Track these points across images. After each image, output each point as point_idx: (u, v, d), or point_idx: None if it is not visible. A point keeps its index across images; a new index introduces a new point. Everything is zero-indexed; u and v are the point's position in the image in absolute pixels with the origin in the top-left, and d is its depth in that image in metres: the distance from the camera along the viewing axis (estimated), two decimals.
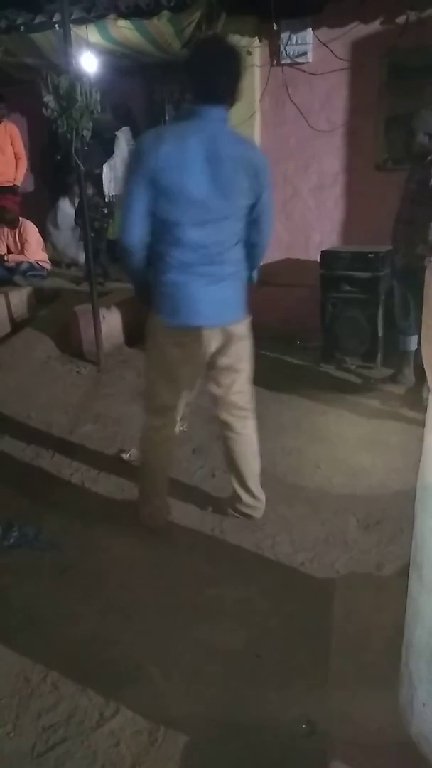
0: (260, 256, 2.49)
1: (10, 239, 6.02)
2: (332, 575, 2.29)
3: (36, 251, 6.01)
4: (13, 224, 5.96)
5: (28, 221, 6.11)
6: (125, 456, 3.27)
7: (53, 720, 1.77)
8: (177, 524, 2.68)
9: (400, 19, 4.48)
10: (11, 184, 6.28)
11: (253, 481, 2.64)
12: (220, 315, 2.34)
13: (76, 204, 6.54)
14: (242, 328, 2.44)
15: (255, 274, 2.56)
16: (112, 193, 6.19)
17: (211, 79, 2.16)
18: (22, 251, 5.92)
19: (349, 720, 1.48)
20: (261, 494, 2.67)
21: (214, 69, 2.17)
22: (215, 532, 2.62)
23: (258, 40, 4.97)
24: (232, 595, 2.24)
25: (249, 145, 2.39)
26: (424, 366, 1.18)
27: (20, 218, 6.05)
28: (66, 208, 6.65)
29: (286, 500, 2.83)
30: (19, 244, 5.96)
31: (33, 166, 7.29)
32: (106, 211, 6.08)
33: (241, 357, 2.47)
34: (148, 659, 1.97)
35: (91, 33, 4.86)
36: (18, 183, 6.41)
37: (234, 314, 2.39)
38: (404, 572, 1.49)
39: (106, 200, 6.18)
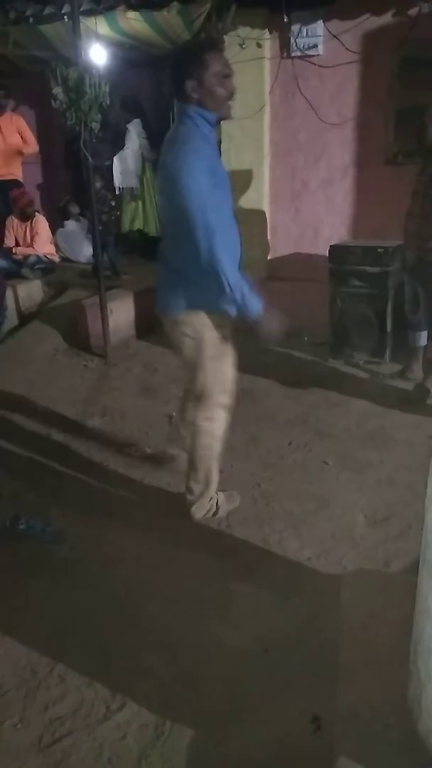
0: (216, 277, 2.16)
1: (20, 232, 6.02)
2: (339, 571, 2.28)
3: (45, 244, 6.01)
4: (26, 218, 5.96)
5: (40, 215, 6.12)
6: (132, 450, 3.27)
7: (60, 712, 1.77)
8: (183, 517, 2.68)
9: (412, 11, 4.44)
10: (15, 178, 6.28)
11: (192, 477, 2.61)
12: (160, 304, 2.46)
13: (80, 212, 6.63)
14: (178, 324, 2.38)
15: (230, 303, 2.22)
16: (121, 185, 6.18)
17: None
18: (31, 244, 5.93)
19: (357, 716, 1.48)
20: (194, 493, 2.63)
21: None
22: (222, 527, 2.62)
23: (268, 32, 4.94)
24: (239, 589, 2.23)
25: (177, 143, 2.19)
26: None
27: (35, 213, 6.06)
28: (72, 228, 6.68)
29: (293, 496, 2.83)
30: (29, 237, 5.96)
31: (44, 159, 7.30)
32: (113, 203, 6.07)
33: (182, 350, 2.45)
34: (155, 653, 1.97)
35: (101, 25, 4.84)
36: (25, 150, 6.31)
37: (168, 307, 2.41)
38: (412, 569, 1.48)
39: (117, 192, 6.18)
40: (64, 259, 6.58)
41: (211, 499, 2.64)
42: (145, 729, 1.71)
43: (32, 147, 6.33)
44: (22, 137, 6.20)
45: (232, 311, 2.27)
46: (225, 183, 2.26)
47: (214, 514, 2.66)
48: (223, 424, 2.56)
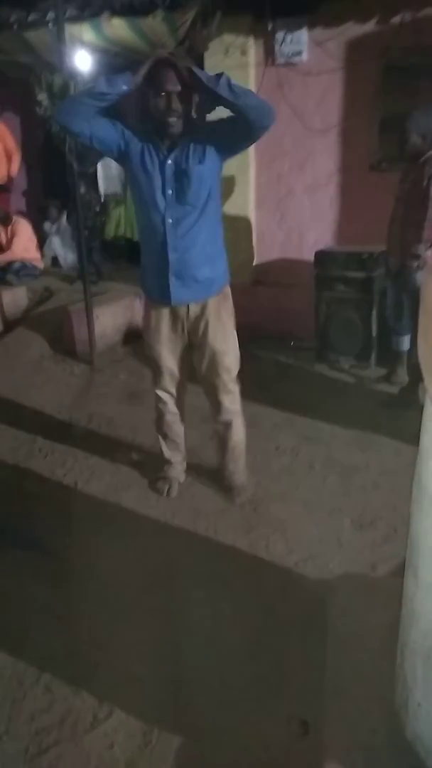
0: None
1: (2, 236, 5.98)
2: (326, 575, 2.28)
3: (28, 249, 5.97)
4: (5, 222, 5.93)
5: (22, 219, 6.08)
6: (119, 456, 3.25)
7: (46, 722, 1.76)
8: (170, 525, 2.67)
9: (395, 20, 4.48)
10: (2, 183, 6.26)
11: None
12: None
13: (62, 219, 6.60)
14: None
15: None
16: (105, 191, 6.17)
17: None
18: (9, 246, 5.87)
19: (344, 720, 1.48)
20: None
21: None
22: (209, 533, 2.61)
23: (253, 40, 4.96)
24: (226, 596, 2.23)
25: None
26: (420, 366, 1.17)
27: (13, 216, 6.02)
28: (50, 230, 6.65)
29: (279, 500, 2.83)
30: (9, 239, 5.92)
31: (28, 165, 7.27)
32: (98, 209, 6.06)
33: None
34: (142, 660, 1.96)
35: (85, 31, 4.83)
36: (13, 174, 6.39)
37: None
38: (398, 572, 1.49)
39: (102, 199, 6.16)
40: (53, 264, 6.55)
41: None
42: (132, 737, 1.70)
43: (15, 154, 6.30)
44: (5, 145, 6.17)
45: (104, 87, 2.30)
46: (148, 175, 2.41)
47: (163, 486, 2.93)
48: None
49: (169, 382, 2.78)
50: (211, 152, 2.38)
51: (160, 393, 2.81)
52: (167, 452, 2.94)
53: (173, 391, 2.81)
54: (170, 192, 2.40)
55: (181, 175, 2.38)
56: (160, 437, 2.93)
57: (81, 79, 4.09)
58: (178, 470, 2.97)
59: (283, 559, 2.43)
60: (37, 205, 7.19)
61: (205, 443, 3.25)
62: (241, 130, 2.31)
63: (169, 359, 2.72)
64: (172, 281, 2.51)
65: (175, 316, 2.62)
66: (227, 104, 2.24)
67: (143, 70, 2.26)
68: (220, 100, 2.24)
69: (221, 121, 2.37)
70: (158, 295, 2.59)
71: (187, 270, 2.50)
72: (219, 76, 2.22)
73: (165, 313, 2.62)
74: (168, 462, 2.95)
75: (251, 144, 2.44)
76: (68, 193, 5.54)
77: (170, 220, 2.43)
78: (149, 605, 2.20)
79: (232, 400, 2.75)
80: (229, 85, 2.21)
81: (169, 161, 2.38)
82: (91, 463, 3.22)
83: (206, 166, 2.39)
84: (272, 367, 4.48)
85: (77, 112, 2.29)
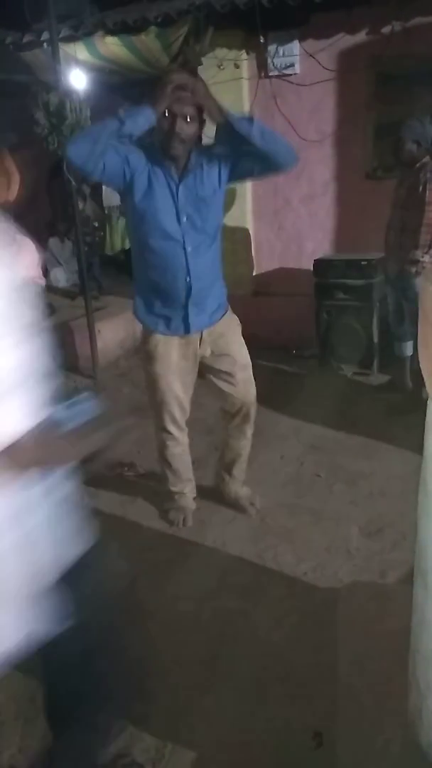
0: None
1: None
2: (336, 585, 2.27)
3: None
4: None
5: (26, 237, 6.10)
6: (124, 470, 3.25)
7: None
8: (177, 536, 2.67)
9: (386, 29, 4.53)
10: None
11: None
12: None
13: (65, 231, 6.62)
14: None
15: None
16: (109, 204, 6.18)
17: None
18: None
19: (358, 731, 1.47)
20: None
21: None
22: (216, 544, 2.61)
23: (245, 53, 5.02)
24: (235, 607, 2.22)
25: None
26: (422, 371, 1.18)
27: (17, 236, 6.04)
28: (56, 247, 6.67)
29: (286, 510, 2.83)
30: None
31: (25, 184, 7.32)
32: (96, 224, 6.08)
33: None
34: (154, 675, 1.94)
35: (80, 50, 4.89)
36: (13, 197, 6.45)
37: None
38: (408, 579, 1.48)
39: (106, 212, 6.17)
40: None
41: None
42: (145, 752, 1.69)
43: (13, 176, 6.34)
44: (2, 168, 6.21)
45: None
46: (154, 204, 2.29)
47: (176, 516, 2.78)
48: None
49: (180, 416, 2.62)
50: (224, 179, 2.34)
51: (170, 428, 2.63)
52: (176, 486, 2.79)
53: (183, 424, 2.66)
54: (185, 219, 2.30)
55: (198, 203, 2.30)
56: (167, 472, 2.77)
57: (77, 97, 4.13)
58: (188, 499, 2.82)
59: (292, 569, 2.42)
60: (38, 223, 7.22)
61: (210, 454, 3.24)
62: (261, 169, 2.31)
63: (181, 390, 2.57)
64: (191, 310, 2.41)
65: (186, 343, 2.50)
66: (254, 148, 2.19)
67: (163, 104, 2.15)
68: (246, 143, 2.19)
69: (238, 153, 2.29)
70: (172, 325, 2.45)
71: (203, 296, 2.43)
72: (250, 120, 2.21)
73: (175, 342, 2.49)
74: (179, 493, 2.81)
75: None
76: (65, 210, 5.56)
77: (189, 248, 2.32)
78: (157, 619, 2.19)
79: (254, 412, 2.74)
80: (262, 132, 2.18)
81: (182, 187, 2.28)
82: (96, 479, 3.21)
83: (221, 193, 2.36)
84: (275, 377, 4.48)
85: (94, 153, 2.14)
